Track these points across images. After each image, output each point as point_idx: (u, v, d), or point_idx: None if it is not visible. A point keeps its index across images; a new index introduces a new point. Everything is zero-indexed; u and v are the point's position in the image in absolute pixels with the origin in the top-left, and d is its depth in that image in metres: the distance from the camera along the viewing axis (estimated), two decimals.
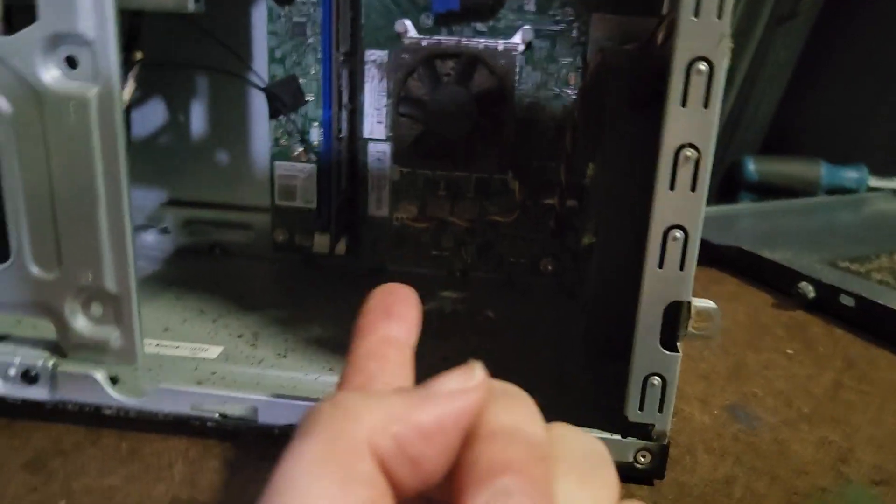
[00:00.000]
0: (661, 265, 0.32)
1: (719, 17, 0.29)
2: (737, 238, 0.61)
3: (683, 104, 0.30)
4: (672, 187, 0.31)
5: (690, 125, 0.30)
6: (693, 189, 0.31)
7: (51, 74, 0.32)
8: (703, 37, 0.29)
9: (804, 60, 0.79)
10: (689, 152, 0.30)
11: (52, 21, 0.31)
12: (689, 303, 0.32)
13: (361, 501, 0.18)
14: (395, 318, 0.26)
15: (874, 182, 0.77)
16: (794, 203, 0.74)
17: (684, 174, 0.30)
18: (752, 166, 0.77)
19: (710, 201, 0.72)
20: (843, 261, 0.56)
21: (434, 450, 0.20)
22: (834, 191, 0.78)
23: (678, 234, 0.31)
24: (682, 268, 0.32)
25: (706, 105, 0.29)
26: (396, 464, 0.19)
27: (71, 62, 0.32)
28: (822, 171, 0.77)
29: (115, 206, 0.34)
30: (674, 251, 0.31)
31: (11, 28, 0.34)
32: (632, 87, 0.34)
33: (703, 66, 0.29)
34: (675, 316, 0.32)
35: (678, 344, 0.33)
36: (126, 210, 0.34)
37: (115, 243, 0.34)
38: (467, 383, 0.21)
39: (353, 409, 0.20)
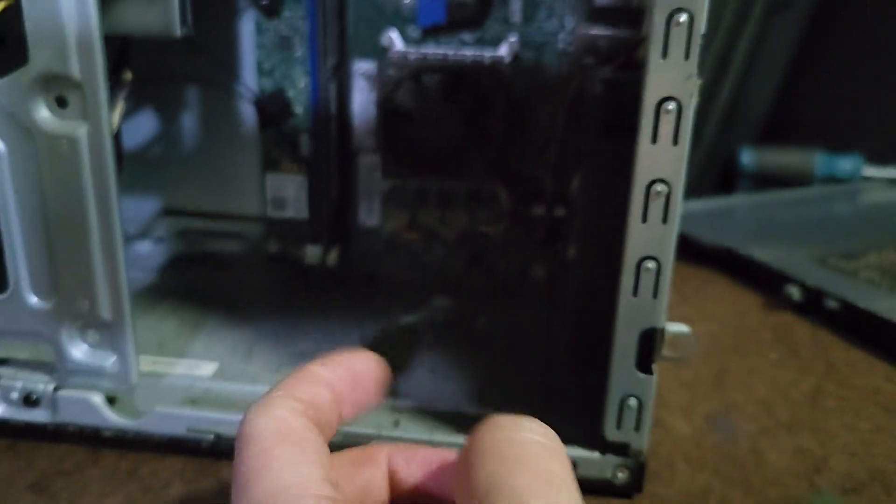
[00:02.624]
0: (634, 293, 0.33)
1: (686, 58, 0.29)
2: (730, 233, 0.62)
3: (654, 141, 0.30)
4: (644, 220, 0.31)
5: (660, 161, 0.31)
6: (665, 221, 0.31)
7: (42, 114, 0.33)
8: (671, 77, 0.29)
9: (801, 50, 0.79)
10: (660, 187, 0.31)
11: (43, 63, 0.32)
12: (662, 329, 0.33)
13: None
14: (357, 386, 0.26)
15: (869, 171, 0.78)
16: (788, 195, 0.74)
17: (656, 207, 0.31)
18: (748, 156, 0.77)
19: (706, 192, 0.72)
20: (832, 258, 0.57)
21: None
22: (829, 180, 0.78)
23: (651, 264, 0.32)
24: (655, 296, 0.33)
25: (675, 142, 0.30)
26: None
27: (61, 102, 0.33)
28: (818, 161, 0.77)
29: (108, 237, 0.35)
30: (647, 280, 0.32)
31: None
32: (605, 116, 0.35)
33: (671, 105, 0.30)
34: (649, 341, 0.33)
35: (653, 366, 0.34)
36: (118, 241, 0.35)
37: (109, 273, 0.35)
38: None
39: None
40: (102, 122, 0.33)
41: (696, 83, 0.30)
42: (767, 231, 0.64)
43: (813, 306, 0.52)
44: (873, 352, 0.48)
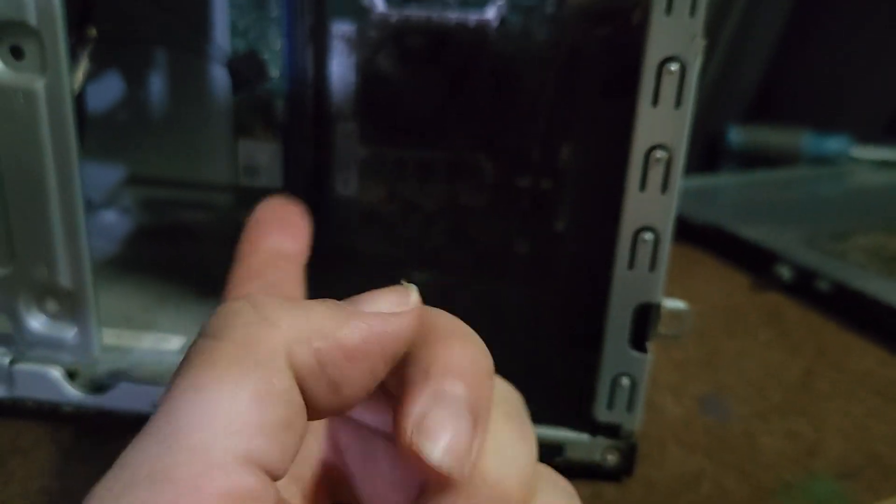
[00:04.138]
0: (630, 266, 0.31)
1: (692, 15, 0.27)
2: (717, 212, 0.61)
3: (654, 104, 0.29)
4: (642, 188, 0.30)
5: (661, 126, 0.29)
6: (664, 190, 0.30)
7: None
8: (675, 36, 0.28)
9: (790, 27, 0.78)
10: (660, 153, 0.29)
11: None
12: (658, 304, 0.32)
13: (276, 421, 0.17)
14: (288, 232, 0.26)
15: (856, 152, 0.77)
16: (776, 175, 0.73)
17: (655, 175, 0.29)
18: (735, 135, 0.76)
19: (691, 170, 0.71)
20: (821, 239, 0.56)
21: (356, 373, 0.18)
22: (816, 160, 0.77)
23: (648, 235, 0.30)
24: (652, 269, 0.31)
25: (678, 105, 0.28)
26: (314, 383, 0.18)
27: (16, 53, 0.31)
28: (805, 141, 0.76)
29: (68, 199, 0.32)
30: (644, 252, 0.31)
31: None
32: (604, 77, 0.33)
33: (674, 66, 0.28)
34: (644, 317, 0.32)
35: (648, 344, 0.32)
36: (79, 204, 0.32)
37: (69, 238, 0.33)
38: (400, 306, 0.19)
39: (273, 314, 0.18)
40: (62, 75, 0.31)
41: (701, 43, 0.28)
42: (755, 210, 0.63)
43: (803, 287, 0.51)
44: (865, 335, 0.47)
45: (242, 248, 0.25)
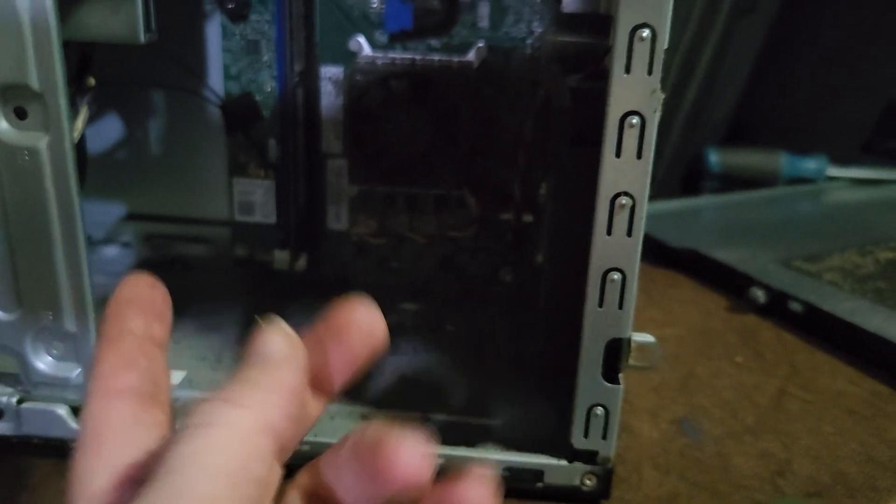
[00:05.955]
0: (600, 304, 0.33)
1: (649, 73, 0.29)
2: (696, 235, 0.62)
3: (618, 155, 0.31)
4: (609, 232, 0.32)
5: (625, 175, 0.31)
6: (629, 234, 0.32)
7: (0, 126, 0.33)
8: (635, 93, 0.30)
9: (766, 52, 0.80)
10: (625, 200, 0.31)
11: (0, 74, 0.32)
12: (628, 339, 0.33)
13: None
14: (154, 314, 0.26)
15: (832, 171, 0.79)
16: (754, 195, 0.75)
17: (620, 220, 0.31)
18: (714, 157, 0.78)
19: (672, 193, 0.73)
20: (796, 260, 0.57)
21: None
22: (794, 181, 0.79)
23: (616, 276, 0.32)
24: (620, 307, 0.33)
25: (639, 156, 0.30)
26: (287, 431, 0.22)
27: (20, 113, 0.33)
28: (783, 162, 0.78)
29: (71, 249, 0.34)
30: (612, 292, 0.33)
31: None
32: (573, 128, 0.35)
33: (635, 119, 0.30)
34: (615, 351, 0.34)
35: (620, 376, 0.34)
36: (82, 253, 0.34)
37: (73, 284, 0.35)
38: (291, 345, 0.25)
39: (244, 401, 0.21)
40: (63, 133, 0.33)
41: (659, 98, 0.30)
42: (733, 232, 0.65)
43: (777, 308, 0.53)
44: (837, 354, 0.49)
45: (107, 329, 0.25)
